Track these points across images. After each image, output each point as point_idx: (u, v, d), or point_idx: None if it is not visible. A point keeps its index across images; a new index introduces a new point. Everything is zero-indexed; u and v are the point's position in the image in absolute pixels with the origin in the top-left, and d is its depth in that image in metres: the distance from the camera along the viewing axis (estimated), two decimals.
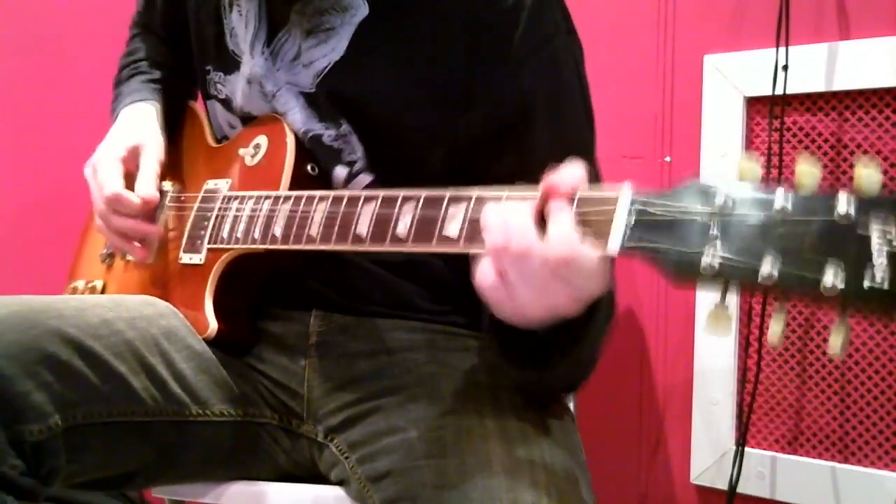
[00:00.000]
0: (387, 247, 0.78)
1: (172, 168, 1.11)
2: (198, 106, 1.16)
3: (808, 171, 0.57)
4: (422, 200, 0.77)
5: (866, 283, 0.53)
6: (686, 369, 1.44)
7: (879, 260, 0.53)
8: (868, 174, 0.55)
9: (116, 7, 1.87)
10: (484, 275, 0.68)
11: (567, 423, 0.93)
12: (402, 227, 0.77)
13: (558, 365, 0.81)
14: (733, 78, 1.35)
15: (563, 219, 0.66)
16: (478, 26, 0.90)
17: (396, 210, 0.78)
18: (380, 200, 0.80)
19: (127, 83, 1.17)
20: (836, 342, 0.56)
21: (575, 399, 1.30)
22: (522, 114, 0.91)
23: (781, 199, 0.57)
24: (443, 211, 0.75)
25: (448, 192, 0.76)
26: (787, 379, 1.36)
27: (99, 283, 1.14)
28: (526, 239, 0.66)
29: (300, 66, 0.97)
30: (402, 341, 0.98)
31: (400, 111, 0.95)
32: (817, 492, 1.32)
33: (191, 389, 0.93)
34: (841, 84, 1.27)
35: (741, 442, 1.35)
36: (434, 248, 0.75)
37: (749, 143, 1.36)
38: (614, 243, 0.63)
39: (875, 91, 1.26)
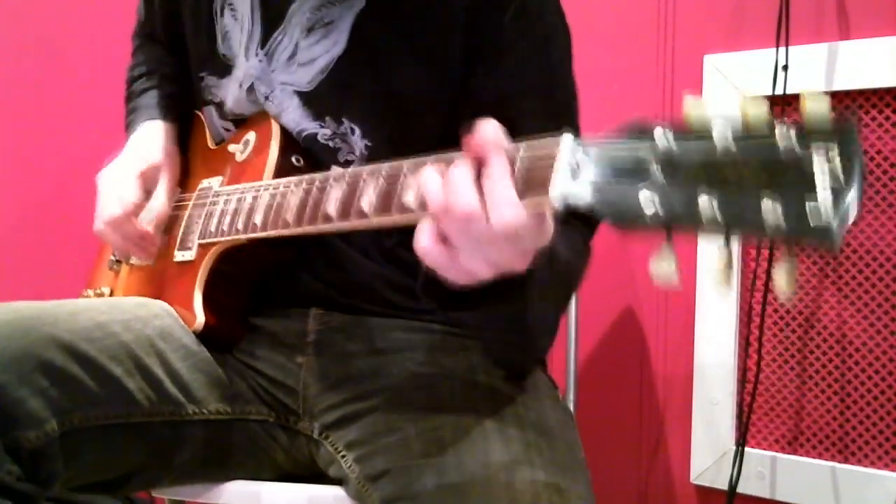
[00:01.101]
0: (352, 222, 0.77)
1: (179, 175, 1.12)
2: (202, 113, 1.17)
3: (754, 110, 0.55)
4: (383, 173, 0.76)
5: (811, 222, 0.51)
6: (686, 369, 1.44)
7: (822, 179, 0.51)
8: (813, 105, 0.52)
9: (116, 7, 1.87)
10: (425, 239, 0.66)
11: (566, 421, 0.93)
12: (366, 201, 0.76)
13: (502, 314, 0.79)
14: (733, 78, 1.35)
15: (503, 182, 0.63)
16: (473, 9, 0.91)
17: (361, 186, 0.77)
18: (346, 178, 0.80)
19: (139, 98, 1.17)
20: (780, 279, 0.54)
21: (575, 399, 1.30)
22: (513, 94, 0.93)
23: (724, 138, 0.55)
24: (401, 181, 0.74)
25: (405, 163, 0.74)
26: (787, 379, 1.36)
27: (107, 290, 1.16)
28: (467, 203, 0.63)
29: (296, 66, 0.97)
30: (399, 341, 0.98)
31: (403, 103, 0.95)
32: (817, 492, 1.32)
33: (186, 389, 0.93)
34: (841, 84, 1.27)
35: (741, 442, 1.35)
36: (395, 218, 0.73)
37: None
38: (555, 195, 0.61)
39: (875, 91, 1.26)
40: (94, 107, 1.90)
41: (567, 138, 0.62)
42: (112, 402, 0.88)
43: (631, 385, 1.50)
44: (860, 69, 1.25)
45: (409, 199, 0.72)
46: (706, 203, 0.54)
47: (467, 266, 0.66)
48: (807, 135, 0.52)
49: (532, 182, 0.63)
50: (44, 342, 0.85)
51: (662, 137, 0.57)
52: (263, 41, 1.00)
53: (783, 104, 1.30)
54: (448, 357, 0.97)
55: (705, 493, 1.44)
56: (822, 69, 1.28)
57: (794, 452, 1.36)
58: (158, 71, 1.19)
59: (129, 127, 1.14)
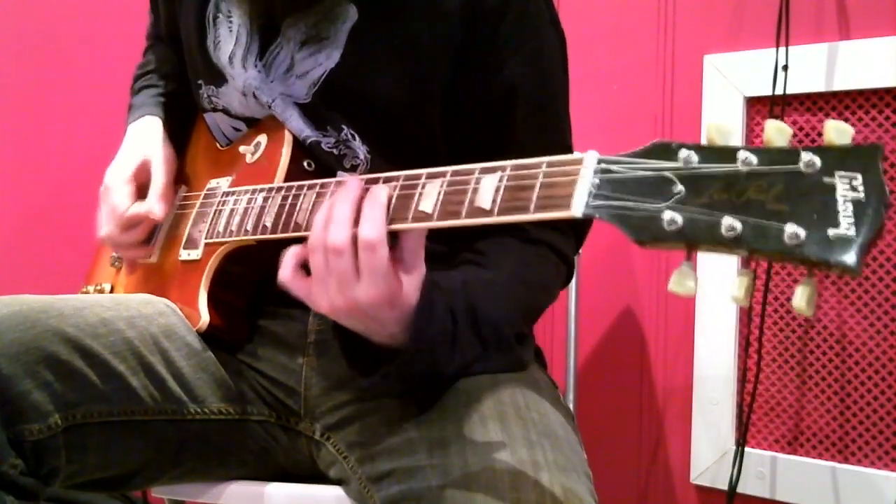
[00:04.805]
0: None
1: (182, 172, 1.12)
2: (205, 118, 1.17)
3: (776, 129, 0.56)
4: (401, 180, 0.77)
5: (831, 232, 0.52)
6: (686, 369, 1.44)
7: (845, 207, 0.52)
8: (838, 128, 0.54)
9: (116, 7, 1.87)
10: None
11: (568, 422, 0.93)
12: None
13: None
14: (733, 78, 1.35)
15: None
16: (468, 21, 0.92)
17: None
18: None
19: (136, 97, 1.18)
20: (801, 298, 0.54)
21: (575, 399, 1.31)
22: (508, 103, 0.93)
23: (746, 153, 0.56)
24: (419, 189, 0.75)
25: (424, 172, 0.76)
26: (787, 379, 1.36)
27: (107, 287, 1.16)
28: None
29: (294, 78, 0.97)
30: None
31: (400, 111, 0.95)
32: (817, 492, 1.32)
33: (189, 388, 0.93)
34: (841, 84, 1.27)
35: (741, 442, 1.35)
36: (410, 224, 0.75)
37: (749, 143, 1.36)
38: (577, 205, 0.62)
39: (875, 91, 1.26)
40: (94, 107, 1.90)
41: (591, 155, 0.63)
42: (115, 399, 0.88)
43: (631, 385, 1.50)
44: (860, 69, 1.26)
45: (427, 207, 0.74)
46: (729, 219, 0.55)
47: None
48: (830, 162, 0.53)
49: (554, 197, 0.64)
50: (50, 335, 0.85)
51: (687, 158, 0.58)
52: (261, 53, 1.00)
53: (783, 104, 1.31)
54: None
55: (705, 493, 1.44)
56: (822, 69, 1.28)
57: (794, 452, 1.36)
58: (158, 70, 1.19)
59: (126, 123, 1.15)
